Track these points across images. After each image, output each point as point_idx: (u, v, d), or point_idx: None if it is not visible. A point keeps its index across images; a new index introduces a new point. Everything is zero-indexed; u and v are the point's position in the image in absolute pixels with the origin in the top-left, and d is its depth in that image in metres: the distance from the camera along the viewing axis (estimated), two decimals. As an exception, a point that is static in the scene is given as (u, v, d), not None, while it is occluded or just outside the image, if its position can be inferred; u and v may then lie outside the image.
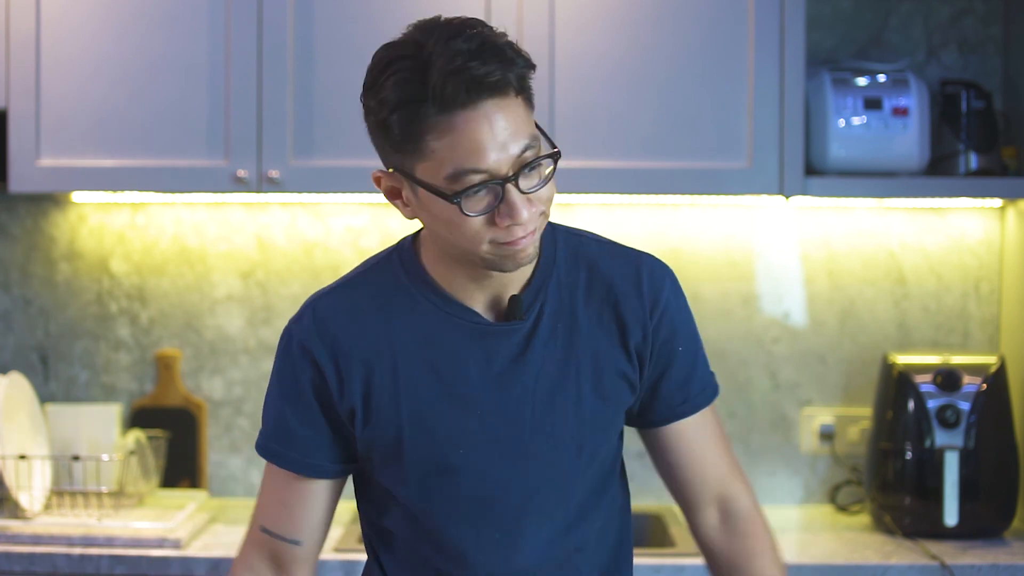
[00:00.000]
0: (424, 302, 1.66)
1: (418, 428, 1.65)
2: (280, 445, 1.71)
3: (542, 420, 1.66)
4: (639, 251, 1.73)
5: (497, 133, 1.50)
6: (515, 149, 1.51)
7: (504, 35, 1.55)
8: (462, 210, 1.52)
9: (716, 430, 1.77)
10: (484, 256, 1.57)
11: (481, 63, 1.49)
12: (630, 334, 1.68)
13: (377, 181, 1.62)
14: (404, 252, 1.70)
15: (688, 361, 1.73)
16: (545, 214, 1.59)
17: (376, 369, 1.65)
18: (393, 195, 1.61)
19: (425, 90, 1.49)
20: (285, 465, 1.71)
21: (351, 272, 1.73)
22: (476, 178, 1.51)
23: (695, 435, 1.75)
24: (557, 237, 1.70)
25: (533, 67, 1.56)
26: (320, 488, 1.72)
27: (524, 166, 1.52)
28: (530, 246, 1.58)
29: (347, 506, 3.09)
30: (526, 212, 1.53)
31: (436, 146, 1.51)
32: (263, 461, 1.74)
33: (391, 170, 1.59)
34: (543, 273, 1.67)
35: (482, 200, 1.52)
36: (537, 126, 1.57)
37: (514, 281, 1.65)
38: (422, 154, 1.52)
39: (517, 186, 1.52)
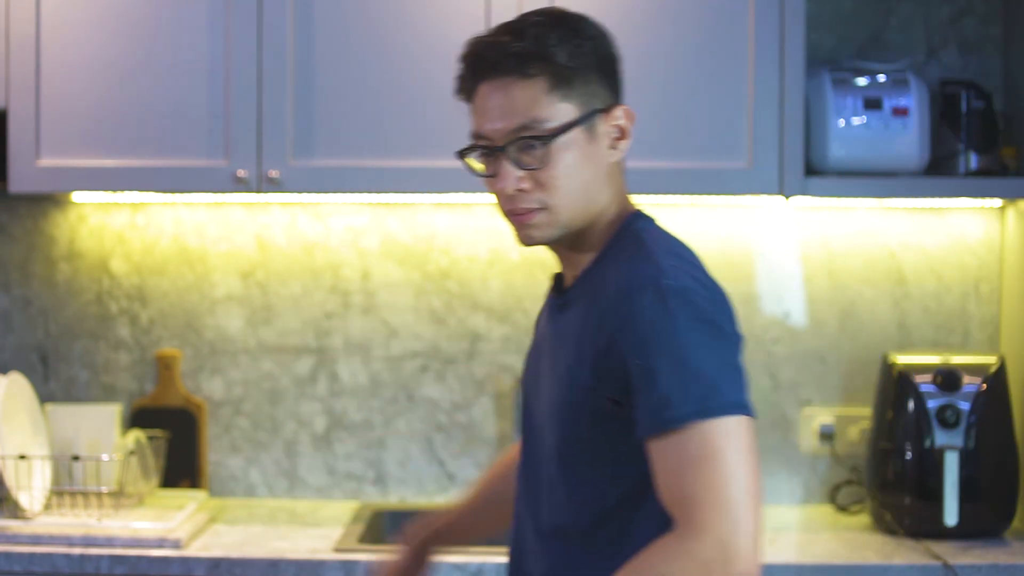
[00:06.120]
0: None
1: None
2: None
3: (541, 393, 1.79)
4: (652, 261, 1.66)
5: (493, 107, 1.68)
6: (509, 124, 1.67)
7: (556, 23, 1.70)
8: (463, 161, 1.74)
9: (685, 455, 1.54)
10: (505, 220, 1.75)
11: (490, 45, 1.69)
12: (600, 339, 1.65)
13: None
14: None
15: (644, 378, 1.58)
16: (546, 202, 1.69)
17: None
18: None
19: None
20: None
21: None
22: (478, 141, 1.71)
23: (658, 455, 1.57)
24: (626, 241, 1.73)
25: (553, 59, 1.67)
26: None
27: (513, 142, 1.67)
28: (538, 228, 1.70)
29: (347, 506, 3.09)
30: (506, 182, 1.68)
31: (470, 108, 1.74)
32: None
33: None
34: (595, 264, 1.74)
35: (482, 163, 1.72)
36: (588, 115, 1.69)
37: (573, 264, 1.77)
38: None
39: (504, 156, 1.68)
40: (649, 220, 1.78)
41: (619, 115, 1.74)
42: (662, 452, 1.56)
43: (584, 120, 1.69)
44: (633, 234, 1.73)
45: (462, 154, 1.74)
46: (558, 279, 1.83)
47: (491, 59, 1.68)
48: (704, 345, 1.58)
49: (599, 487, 1.69)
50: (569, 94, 1.68)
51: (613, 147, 1.74)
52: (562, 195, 1.69)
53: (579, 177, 1.69)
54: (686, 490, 1.53)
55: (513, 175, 1.68)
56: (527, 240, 1.73)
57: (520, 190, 1.69)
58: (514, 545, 1.84)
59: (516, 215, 1.71)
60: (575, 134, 1.68)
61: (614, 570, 1.58)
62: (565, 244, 1.75)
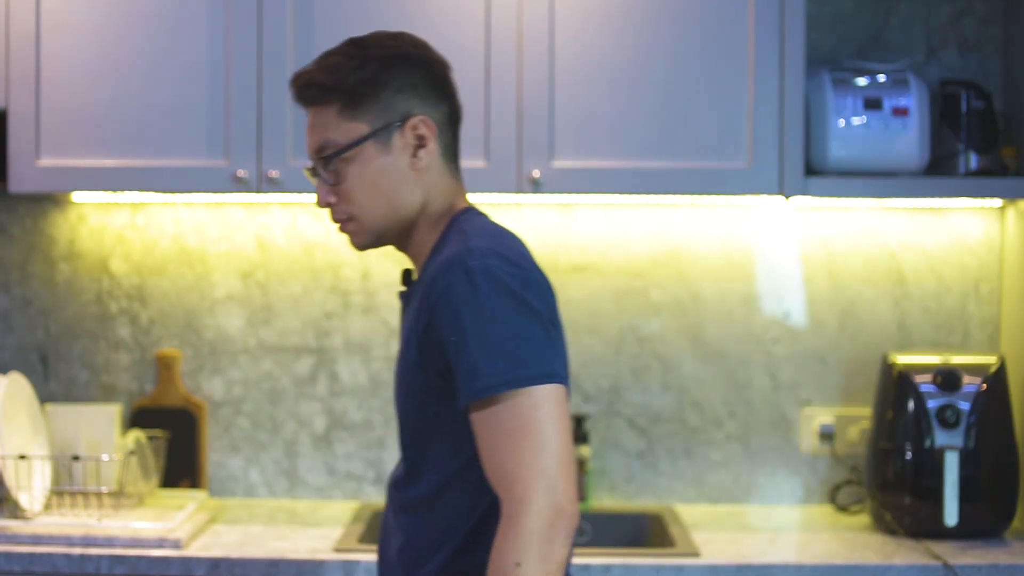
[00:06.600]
0: None
1: None
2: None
3: (396, 374, 1.93)
4: (464, 245, 1.79)
5: (307, 132, 1.89)
6: (312, 146, 1.87)
7: (350, 51, 1.87)
8: (312, 181, 1.91)
9: (499, 428, 1.70)
10: None
11: (298, 78, 1.87)
12: (422, 319, 1.79)
13: None
14: None
15: (457, 353, 1.73)
16: (350, 212, 1.87)
17: None
18: None
19: None
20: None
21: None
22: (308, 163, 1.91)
23: (477, 429, 1.73)
24: (451, 234, 1.86)
25: (339, 85, 1.84)
26: None
27: (317, 161, 1.87)
28: (354, 235, 1.89)
29: (347, 506, 3.09)
30: (318, 198, 1.89)
31: None
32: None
33: None
34: (429, 259, 1.88)
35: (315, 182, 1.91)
36: (376, 131, 1.84)
37: (415, 261, 1.93)
38: None
39: (313, 175, 1.89)
40: (478, 215, 1.91)
41: (416, 125, 1.87)
42: (480, 424, 1.72)
43: (372, 136, 1.84)
44: (457, 225, 1.87)
45: (308, 174, 1.93)
46: (407, 275, 1.98)
47: (298, 91, 1.88)
48: (508, 319, 1.71)
49: (437, 461, 1.84)
50: (358, 114, 1.84)
51: (415, 155, 1.87)
52: (362, 204, 1.86)
53: (377, 186, 1.86)
54: (504, 466, 1.68)
55: (322, 191, 1.88)
56: (355, 246, 1.91)
57: (328, 203, 1.88)
58: (382, 530, 1.98)
59: (337, 224, 1.90)
60: (366, 149, 1.84)
61: (460, 533, 1.80)
62: (397, 245, 1.93)
